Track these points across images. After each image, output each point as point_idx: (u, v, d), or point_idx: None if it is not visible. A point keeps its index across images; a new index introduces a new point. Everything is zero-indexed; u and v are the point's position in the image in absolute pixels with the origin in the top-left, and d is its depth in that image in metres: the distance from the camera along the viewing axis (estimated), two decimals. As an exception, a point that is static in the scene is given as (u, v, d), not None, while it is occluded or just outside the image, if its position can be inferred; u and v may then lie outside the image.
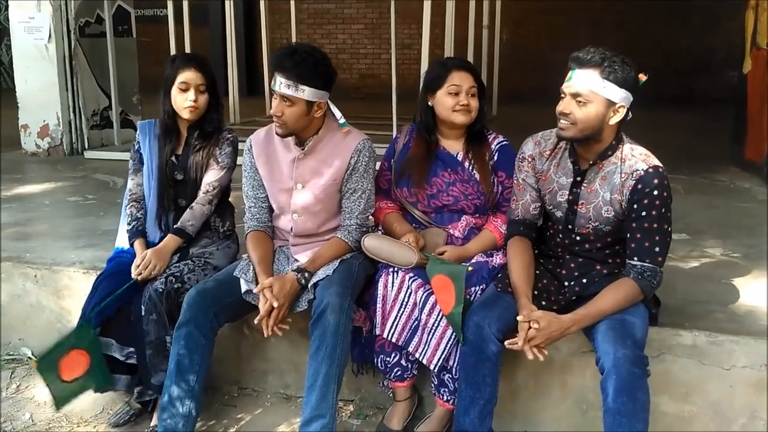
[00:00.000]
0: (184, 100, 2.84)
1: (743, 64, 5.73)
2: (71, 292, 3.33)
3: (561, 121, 2.38)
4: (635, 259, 2.38)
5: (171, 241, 2.87)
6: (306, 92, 2.60)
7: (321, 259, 2.71)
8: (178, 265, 2.83)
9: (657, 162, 2.39)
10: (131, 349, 2.78)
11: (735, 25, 5.96)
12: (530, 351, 2.32)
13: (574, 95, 2.34)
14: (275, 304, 2.57)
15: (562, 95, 2.37)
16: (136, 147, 3.01)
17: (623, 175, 2.39)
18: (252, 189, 2.85)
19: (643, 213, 2.35)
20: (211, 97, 2.91)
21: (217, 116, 2.96)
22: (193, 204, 2.94)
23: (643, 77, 2.38)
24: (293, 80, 2.59)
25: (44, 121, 6.51)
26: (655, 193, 2.34)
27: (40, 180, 5.55)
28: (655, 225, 2.35)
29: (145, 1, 10.11)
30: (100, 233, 3.91)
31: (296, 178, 2.77)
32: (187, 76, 2.84)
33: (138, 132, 3.02)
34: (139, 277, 2.74)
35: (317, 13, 12.38)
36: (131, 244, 2.92)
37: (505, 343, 2.36)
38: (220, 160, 2.95)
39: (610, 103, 2.32)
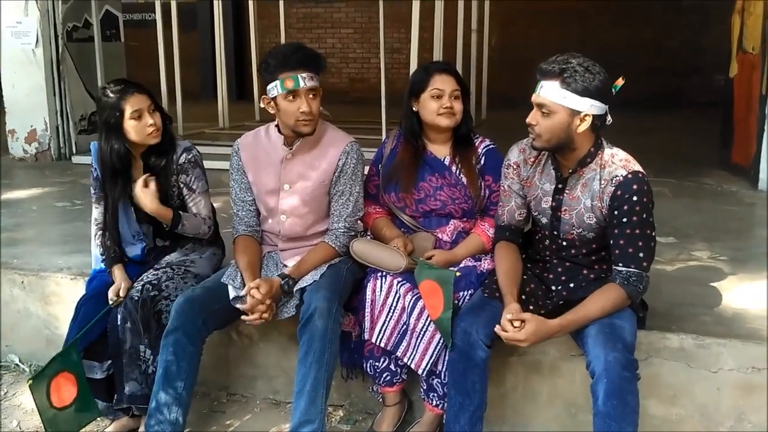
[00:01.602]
0: (144, 127, 2.72)
1: (730, 68, 5.77)
2: (59, 298, 3.31)
3: (529, 132, 2.41)
4: (620, 265, 2.37)
5: (168, 211, 2.79)
6: (318, 82, 2.66)
7: (305, 265, 2.71)
8: (156, 272, 2.79)
9: (638, 167, 2.38)
10: (110, 362, 2.76)
11: (725, 28, 5.98)
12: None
13: (539, 106, 2.36)
14: (267, 302, 2.58)
15: (533, 106, 2.39)
16: (95, 174, 2.86)
17: (603, 182, 2.39)
18: (240, 192, 2.84)
19: (624, 219, 2.35)
20: (161, 114, 2.81)
21: (169, 131, 2.86)
22: (197, 215, 2.90)
23: (619, 83, 2.38)
24: (314, 72, 2.64)
25: (32, 126, 6.49)
26: (635, 198, 2.33)
27: (27, 185, 5.53)
28: (637, 231, 2.35)
29: (134, 6, 10.08)
30: (87, 239, 3.82)
31: (284, 179, 2.77)
32: (136, 102, 2.71)
33: (93, 158, 2.85)
34: (112, 303, 2.72)
35: (306, 18, 12.37)
36: (109, 273, 2.84)
37: (495, 328, 2.35)
38: (194, 186, 2.87)
39: (574, 113, 2.32)
